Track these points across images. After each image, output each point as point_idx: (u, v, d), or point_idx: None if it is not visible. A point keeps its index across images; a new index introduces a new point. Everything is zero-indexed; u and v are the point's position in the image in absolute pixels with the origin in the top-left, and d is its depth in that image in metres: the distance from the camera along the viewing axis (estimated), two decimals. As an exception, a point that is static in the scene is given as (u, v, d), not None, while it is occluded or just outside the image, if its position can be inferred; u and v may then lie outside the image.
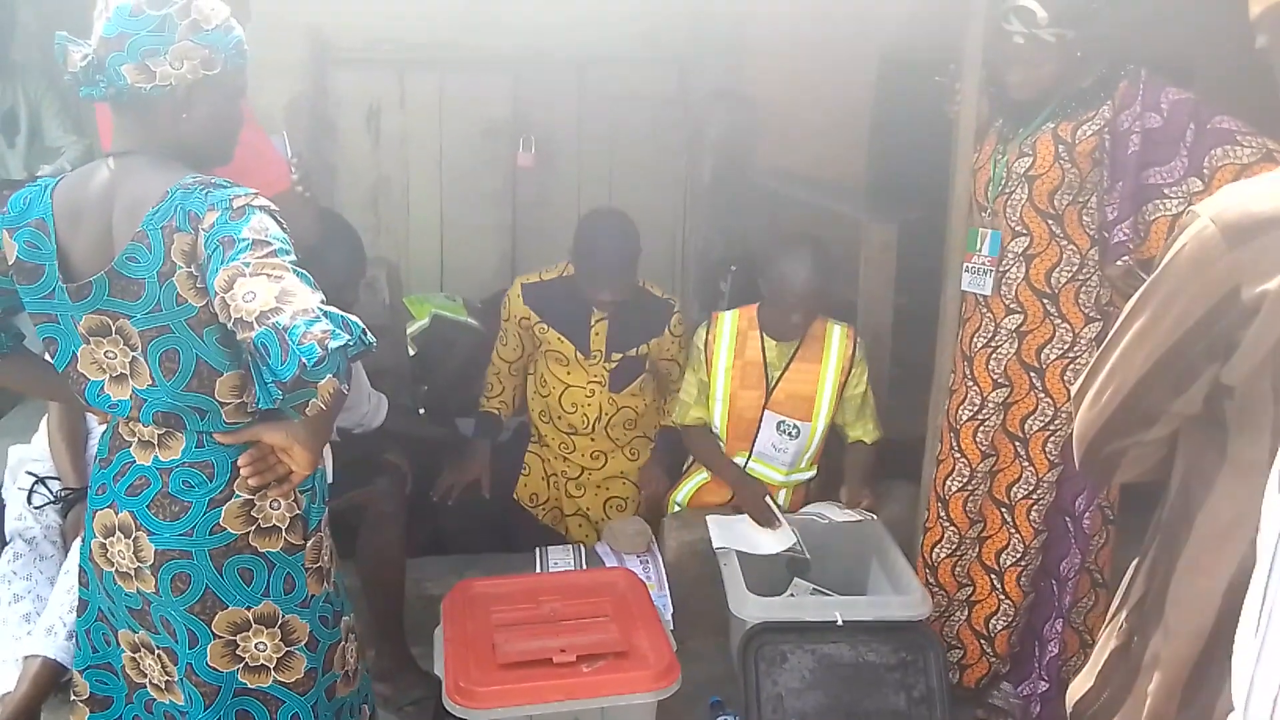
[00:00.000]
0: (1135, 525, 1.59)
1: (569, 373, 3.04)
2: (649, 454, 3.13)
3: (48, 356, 1.71)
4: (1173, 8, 3.50)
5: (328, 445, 1.93)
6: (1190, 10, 3.36)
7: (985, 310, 2.52)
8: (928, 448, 2.71)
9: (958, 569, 2.66)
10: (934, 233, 2.66)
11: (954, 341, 2.62)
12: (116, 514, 1.67)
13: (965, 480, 2.59)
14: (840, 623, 2.42)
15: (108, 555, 1.70)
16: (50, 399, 2.40)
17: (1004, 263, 2.46)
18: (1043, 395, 2.47)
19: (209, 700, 1.69)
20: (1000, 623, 2.60)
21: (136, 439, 1.67)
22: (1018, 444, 2.52)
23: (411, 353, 3.65)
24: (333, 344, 1.35)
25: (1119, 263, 2.33)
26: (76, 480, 2.49)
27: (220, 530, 1.64)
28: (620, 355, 3.02)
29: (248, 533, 1.66)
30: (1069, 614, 2.57)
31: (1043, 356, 2.46)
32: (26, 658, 2.20)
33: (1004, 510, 2.57)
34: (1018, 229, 2.44)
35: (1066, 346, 2.43)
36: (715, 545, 2.69)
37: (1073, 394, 1.35)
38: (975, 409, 2.55)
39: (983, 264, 2.48)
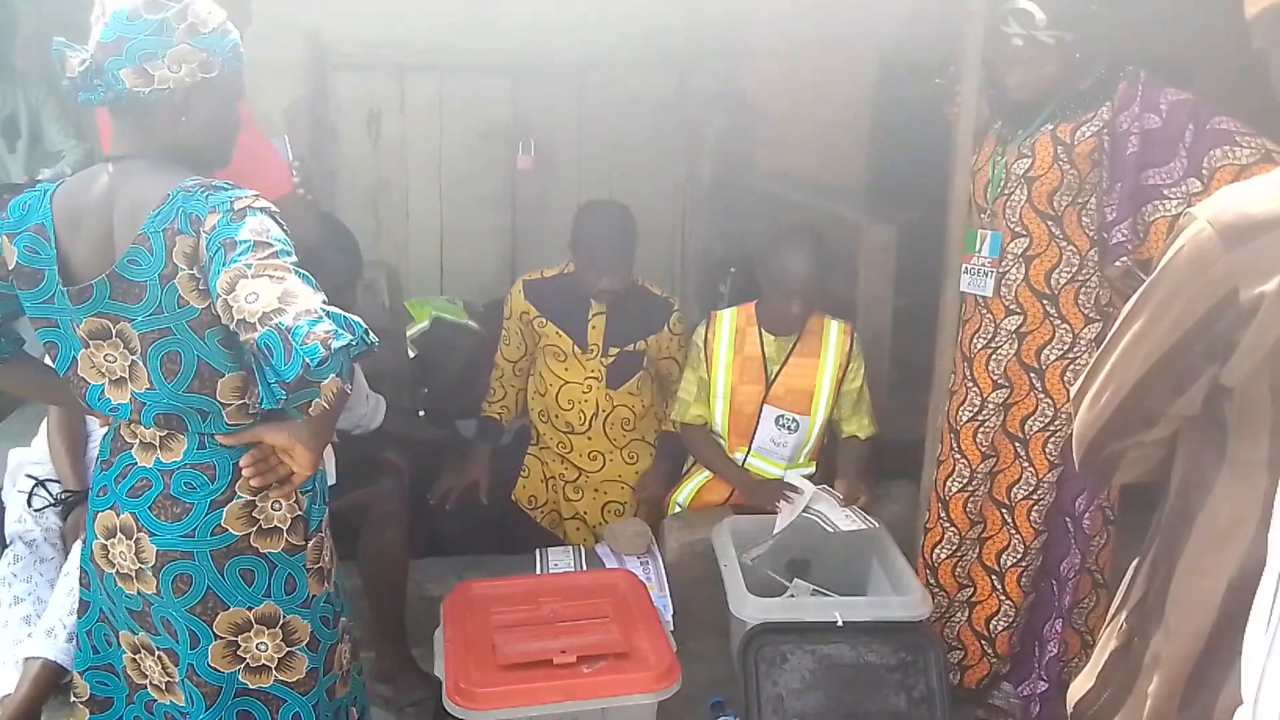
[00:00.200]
0: (1135, 525, 1.59)
1: (566, 368, 3.05)
2: (648, 460, 3.13)
3: (48, 361, 1.72)
4: (1172, 8, 3.50)
5: (330, 446, 1.93)
6: (1189, 11, 3.35)
7: (985, 311, 2.53)
8: (928, 449, 2.71)
9: (958, 570, 2.66)
10: (933, 234, 2.66)
11: (954, 343, 2.62)
12: (118, 515, 1.67)
13: (965, 481, 2.59)
14: (840, 623, 2.42)
15: (109, 556, 1.70)
16: (51, 403, 2.41)
17: (1003, 264, 2.47)
18: (1043, 396, 2.47)
19: (210, 701, 1.69)
20: (1001, 623, 2.61)
21: (138, 441, 1.67)
22: (1018, 445, 2.52)
23: (411, 355, 3.66)
24: (336, 344, 1.35)
25: (1118, 263, 2.34)
26: (76, 483, 2.49)
27: (222, 531, 1.64)
28: (617, 350, 3.02)
29: (249, 534, 1.66)
30: (1069, 614, 2.57)
31: (1042, 357, 2.46)
32: (27, 660, 2.21)
33: (1004, 511, 2.57)
34: (1017, 230, 2.44)
35: (1066, 347, 2.44)
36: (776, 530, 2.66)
37: (1072, 395, 1.35)
38: (975, 410, 2.55)
39: (982, 265, 2.48)
